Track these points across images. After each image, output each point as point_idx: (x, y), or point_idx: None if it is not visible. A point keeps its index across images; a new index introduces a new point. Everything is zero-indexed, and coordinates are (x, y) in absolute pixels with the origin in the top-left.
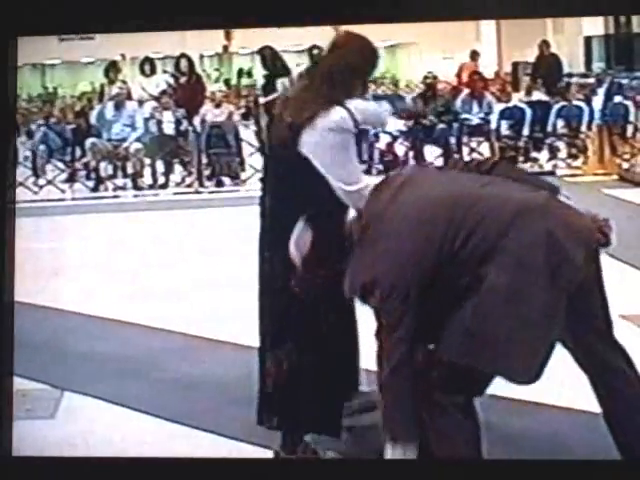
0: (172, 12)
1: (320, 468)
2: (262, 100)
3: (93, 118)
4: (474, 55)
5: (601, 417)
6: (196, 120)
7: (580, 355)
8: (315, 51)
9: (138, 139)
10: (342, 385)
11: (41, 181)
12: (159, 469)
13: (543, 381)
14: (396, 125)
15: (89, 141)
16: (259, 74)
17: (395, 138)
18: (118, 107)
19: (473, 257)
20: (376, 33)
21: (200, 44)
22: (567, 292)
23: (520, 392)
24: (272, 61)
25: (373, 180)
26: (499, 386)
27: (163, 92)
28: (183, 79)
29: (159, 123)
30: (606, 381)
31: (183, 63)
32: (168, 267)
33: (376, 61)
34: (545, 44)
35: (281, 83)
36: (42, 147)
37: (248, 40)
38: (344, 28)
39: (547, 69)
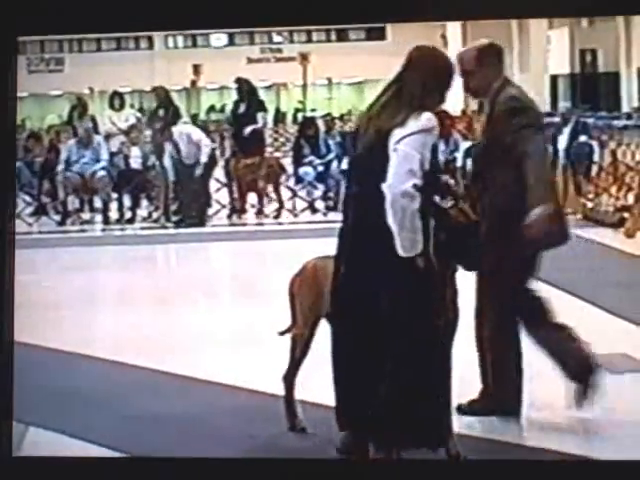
0: (172, 11)
1: (321, 468)
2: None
3: (64, 153)
4: None
5: None
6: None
7: None
8: (282, 87)
9: (107, 172)
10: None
11: None
12: (159, 469)
13: None
14: None
15: (60, 175)
16: (229, 109)
17: None
18: (87, 142)
19: None
20: (343, 69)
21: (168, 78)
22: None
23: None
24: (249, 93)
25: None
26: None
27: (132, 126)
28: (160, 112)
29: (126, 157)
30: None
31: (159, 94)
32: (134, 302)
33: (454, 72)
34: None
35: (262, 117)
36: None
37: (216, 75)
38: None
39: None
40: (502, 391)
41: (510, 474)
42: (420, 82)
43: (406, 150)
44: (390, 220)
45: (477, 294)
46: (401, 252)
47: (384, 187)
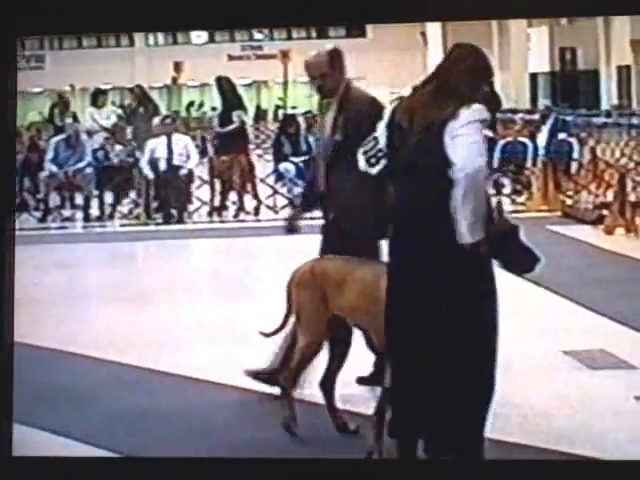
0: (172, 11)
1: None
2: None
3: (50, 151)
4: None
5: None
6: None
7: None
8: (262, 85)
9: (90, 168)
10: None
11: None
12: (159, 469)
13: None
14: None
15: (45, 173)
16: (209, 106)
17: None
18: (75, 144)
19: None
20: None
21: (149, 76)
22: None
23: None
24: (229, 92)
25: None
26: None
27: (115, 124)
28: (141, 109)
29: (107, 154)
30: None
31: (136, 93)
32: (116, 299)
33: (493, 72)
34: None
35: (237, 115)
36: None
37: (197, 72)
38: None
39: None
40: None
41: (496, 472)
42: (465, 78)
43: (471, 135)
44: (460, 203)
45: None
46: (469, 238)
47: (454, 170)
